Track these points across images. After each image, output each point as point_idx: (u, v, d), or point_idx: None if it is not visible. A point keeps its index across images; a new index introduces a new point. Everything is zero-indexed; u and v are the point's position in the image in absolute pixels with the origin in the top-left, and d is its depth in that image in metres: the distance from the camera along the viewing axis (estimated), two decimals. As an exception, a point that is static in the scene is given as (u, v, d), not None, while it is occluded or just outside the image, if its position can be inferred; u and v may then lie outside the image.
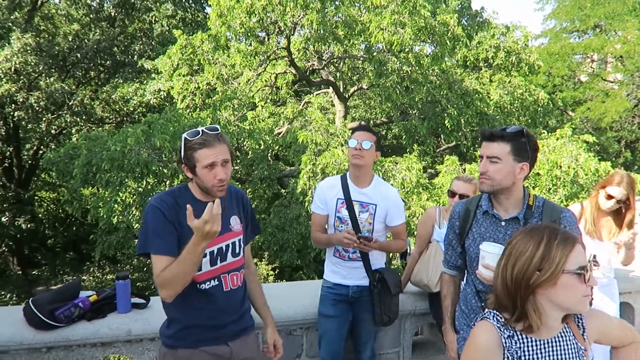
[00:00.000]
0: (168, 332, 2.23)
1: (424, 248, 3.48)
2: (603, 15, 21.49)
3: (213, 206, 1.85)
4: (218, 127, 2.12)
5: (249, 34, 11.03)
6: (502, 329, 1.49)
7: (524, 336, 1.50)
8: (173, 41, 13.55)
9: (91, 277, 16.44)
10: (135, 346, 2.98)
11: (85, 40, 17.01)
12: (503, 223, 2.16)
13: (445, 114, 11.70)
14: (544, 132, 10.13)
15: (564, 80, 22.35)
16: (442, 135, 14.58)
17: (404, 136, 13.29)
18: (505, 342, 1.48)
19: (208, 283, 2.14)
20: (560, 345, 1.50)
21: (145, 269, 14.81)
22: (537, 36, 23.80)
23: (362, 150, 2.85)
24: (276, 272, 11.57)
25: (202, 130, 2.04)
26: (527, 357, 1.48)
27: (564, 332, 1.52)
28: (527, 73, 14.51)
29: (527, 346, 1.49)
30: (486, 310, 1.58)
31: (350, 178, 2.99)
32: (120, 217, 7.89)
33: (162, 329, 2.30)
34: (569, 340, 1.51)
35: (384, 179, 8.35)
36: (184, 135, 2.06)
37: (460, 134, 12.93)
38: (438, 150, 16.78)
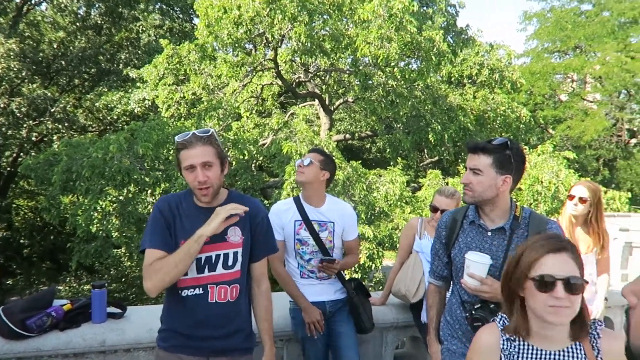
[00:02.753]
0: (159, 331, 2.23)
1: (406, 259, 3.46)
2: (583, 37, 22.09)
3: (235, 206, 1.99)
4: (211, 130, 2.08)
5: (236, 45, 11.04)
6: (504, 332, 1.54)
7: (525, 342, 1.51)
8: (160, 50, 13.51)
9: (67, 287, 16.08)
10: (109, 357, 2.89)
11: (71, 48, 16.87)
12: (489, 233, 2.16)
13: (429, 129, 11.82)
14: (525, 149, 10.28)
15: (545, 98, 22.84)
16: (425, 150, 14.72)
17: (388, 150, 13.37)
18: (503, 344, 1.52)
19: (191, 290, 2.08)
20: (561, 359, 1.48)
21: (123, 279, 14.54)
22: (520, 55, 24.33)
23: (302, 167, 2.90)
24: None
25: (192, 133, 2.02)
26: (517, 359, 1.50)
27: (574, 349, 1.49)
28: (510, 91, 14.77)
29: (525, 352, 1.51)
30: (498, 314, 1.62)
31: (303, 199, 2.99)
32: (99, 225, 7.75)
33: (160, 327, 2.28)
34: (579, 357, 1.48)
35: (368, 191, 8.38)
36: (176, 137, 2.06)
37: (443, 148, 13.07)
38: (421, 164, 16.92)
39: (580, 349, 1.49)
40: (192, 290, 2.08)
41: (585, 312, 1.46)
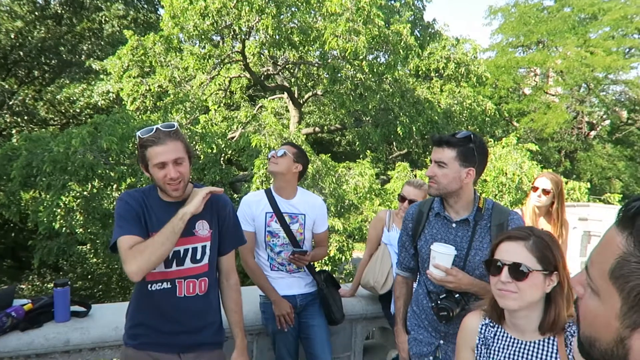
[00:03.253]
0: (125, 329, 2.19)
1: (374, 251, 3.50)
2: (545, 32, 22.66)
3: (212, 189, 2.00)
4: (175, 124, 2.03)
5: (203, 37, 10.85)
6: (485, 317, 1.65)
7: (502, 330, 1.61)
8: (124, 42, 13.15)
9: (30, 286, 15.58)
10: (73, 356, 2.83)
11: (29, 38, 16.24)
12: (454, 225, 2.21)
13: (398, 122, 11.93)
14: (490, 141, 10.52)
15: (509, 92, 23.36)
16: (394, 143, 14.86)
17: (358, 143, 13.44)
18: (481, 328, 1.63)
19: (159, 284, 2.05)
20: (534, 351, 1.54)
21: (89, 276, 14.19)
22: (485, 49, 24.76)
23: (276, 157, 2.91)
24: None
25: (157, 128, 1.96)
26: (492, 344, 1.60)
27: (547, 343, 1.54)
28: (476, 84, 15.06)
29: (499, 338, 1.60)
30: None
31: (274, 191, 3.00)
32: (62, 221, 7.51)
33: (125, 324, 2.23)
34: (549, 352, 1.53)
35: (337, 184, 8.41)
36: (138, 132, 2.00)
37: (411, 141, 13.23)
38: (390, 157, 17.08)
39: (553, 344, 1.53)
40: (160, 284, 2.05)
41: (556, 309, 1.50)
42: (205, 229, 2.12)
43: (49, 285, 14.78)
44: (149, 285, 2.05)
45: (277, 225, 2.94)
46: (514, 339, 1.58)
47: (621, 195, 13.14)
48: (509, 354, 1.57)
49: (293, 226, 2.97)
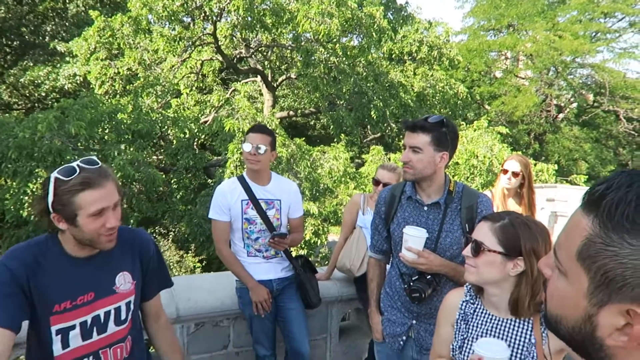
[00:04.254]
0: None
1: (350, 234, 3.53)
2: (515, 16, 22.94)
3: None
4: (96, 159, 1.62)
5: (173, 18, 10.59)
6: (466, 295, 1.72)
7: (481, 306, 1.68)
8: (89, 23, 12.73)
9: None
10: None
11: (-12, 19, 15.54)
12: (425, 208, 2.24)
13: (372, 106, 11.96)
14: (462, 124, 10.69)
15: (481, 75, 23.66)
16: (368, 126, 14.92)
17: (332, 126, 13.44)
18: (462, 304, 1.70)
19: None
20: (509, 328, 1.61)
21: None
22: (457, 32, 24.97)
23: (258, 155, 2.82)
24: (203, 264, 11.31)
25: (79, 166, 1.53)
26: (471, 319, 1.67)
27: (523, 321, 1.61)
28: (448, 67, 15.19)
29: (478, 313, 1.67)
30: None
31: (248, 177, 2.97)
32: (30, 209, 7.31)
33: None
34: (524, 329, 1.60)
35: (312, 168, 8.42)
36: (54, 174, 1.53)
37: (385, 125, 13.30)
38: (365, 140, 17.16)
39: (528, 323, 1.60)
40: None
41: (518, 293, 1.57)
42: (128, 282, 1.76)
43: (17, 274, 14.43)
44: None
45: (253, 212, 2.92)
46: (492, 315, 1.64)
47: (587, 177, 13.57)
48: (486, 329, 1.63)
49: (269, 212, 2.95)
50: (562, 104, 24.59)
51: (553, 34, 21.17)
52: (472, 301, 1.70)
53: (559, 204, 6.31)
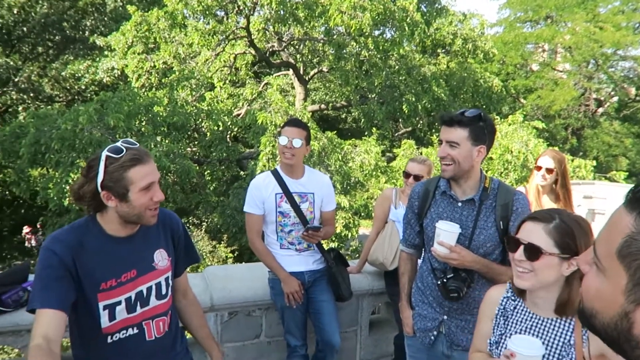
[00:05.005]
0: None
1: (381, 228, 3.54)
2: (554, 7, 22.22)
3: None
4: (133, 140, 1.73)
5: (207, 12, 10.74)
6: (508, 291, 1.69)
7: (522, 304, 1.65)
8: (127, 17, 13.03)
9: (40, 261, 15.82)
10: (88, 329, 2.92)
11: (32, 14, 16.09)
12: (459, 204, 2.22)
13: (403, 99, 11.85)
14: (497, 118, 10.47)
15: (516, 68, 23.05)
16: (400, 120, 14.79)
17: (363, 120, 13.39)
18: (502, 301, 1.68)
19: (124, 332, 1.77)
20: (549, 328, 1.58)
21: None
22: (493, 25, 24.39)
23: (293, 148, 2.86)
24: (235, 254, 11.51)
25: (124, 146, 1.63)
26: (511, 316, 1.65)
27: (564, 321, 1.57)
28: (483, 60, 14.88)
29: (518, 311, 1.65)
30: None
31: (282, 171, 3.01)
32: (69, 193, 7.59)
33: None
34: (564, 330, 1.56)
35: (343, 162, 8.43)
36: (105, 153, 1.62)
37: (417, 119, 13.15)
38: (396, 134, 17.02)
39: (570, 324, 1.56)
40: (125, 332, 1.78)
41: (570, 292, 1.53)
42: (164, 258, 1.88)
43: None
44: (109, 337, 1.75)
45: (287, 206, 2.96)
46: (533, 313, 1.62)
47: (627, 173, 13.09)
48: (525, 327, 1.61)
49: (303, 205, 3.00)
50: (602, 98, 23.72)
51: (594, 26, 20.43)
52: (513, 298, 1.68)
53: (597, 202, 6.10)
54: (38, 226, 14.18)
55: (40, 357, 1.44)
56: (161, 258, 1.85)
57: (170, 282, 1.90)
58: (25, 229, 16.36)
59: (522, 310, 1.65)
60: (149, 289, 1.81)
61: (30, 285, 2.82)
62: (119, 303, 1.73)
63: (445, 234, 2.07)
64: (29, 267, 3.06)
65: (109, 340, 1.76)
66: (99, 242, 1.70)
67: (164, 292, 1.86)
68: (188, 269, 2.12)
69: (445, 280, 2.16)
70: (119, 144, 1.64)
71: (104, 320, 1.72)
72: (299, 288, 2.98)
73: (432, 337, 2.35)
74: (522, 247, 1.52)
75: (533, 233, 1.52)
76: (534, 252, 1.50)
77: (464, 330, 2.26)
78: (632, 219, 0.68)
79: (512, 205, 2.14)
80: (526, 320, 1.62)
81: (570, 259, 1.49)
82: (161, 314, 1.87)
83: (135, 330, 1.80)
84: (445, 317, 2.30)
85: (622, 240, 0.68)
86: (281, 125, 2.99)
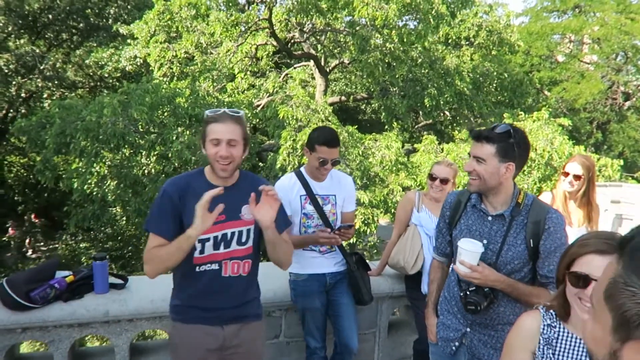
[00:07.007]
0: (171, 306, 2.34)
1: (403, 231, 3.52)
2: (583, -4, 21.62)
3: (211, 192, 1.98)
4: (241, 112, 2.17)
5: (230, 3, 10.69)
6: (545, 317, 1.61)
7: (564, 329, 1.58)
8: (150, 6, 13.10)
9: (64, 246, 16.23)
10: (112, 327, 2.98)
11: (57, 1, 16.29)
12: (490, 218, 2.19)
13: (425, 93, 11.69)
14: (521, 114, 10.24)
15: (541, 59, 22.53)
16: (420, 112, 14.60)
17: (384, 114, 13.26)
18: (543, 328, 1.60)
19: (208, 265, 2.18)
20: None
21: (119, 237, 14.69)
22: (519, 14, 23.83)
23: (330, 167, 2.98)
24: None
25: (224, 110, 2.12)
26: (556, 345, 1.57)
27: None
28: (507, 52, 14.56)
29: (563, 337, 1.57)
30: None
31: (306, 173, 3.05)
32: (96, 188, 7.73)
33: (170, 301, 2.36)
34: None
35: (363, 156, 8.38)
36: (207, 111, 2.15)
37: (438, 112, 12.96)
38: (416, 126, 16.84)
39: None
40: (209, 265, 2.19)
41: None
42: (251, 213, 2.18)
43: (81, 245, 15.37)
44: (197, 267, 2.18)
45: (311, 207, 3.01)
46: (579, 338, 1.56)
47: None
48: (577, 355, 1.55)
49: (326, 207, 3.03)
50: (630, 91, 23.06)
51: (625, 17, 19.81)
52: (553, 324, 1.60)
53: (625, 206, 5.95)
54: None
55: (152, 251, 2.07)
56: (247, 212, 2.17)
57: (251, 234, 2.23)
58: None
59: (568, 336, 1.57)
60: (232, 234, 2.18)
61: (58, 283, 2.89)
62: (208, 240, 2.13)
63: (467, 253, 2.05)
64: (57, 264, 3.13)
65: (197, 270, 2.17)
66: (202, 187, 2.08)
67: (243, 240, 2.21)
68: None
69: (468, 292, 2.15)
70: (223, 109, 2.13)
71: (196, 252, 2.14)
72: (322, 232, 2.96)
73: (454, 348, 2.35)
74: (594, 283, 1.41)
75: (602, 268, 1.44)
76: None
77: (486, 345, 2.24)
78: (617, 263, 0.75)
79: (544, 224, 2.09)
80: (576, 346, 1.56)
81: None
82: (238, 257, 2.22)
83: (216, 267, 2.19)
84: (468, 329, 2.29)
85: (608, 283, 0.74)
86: (315, 135, 2.97)
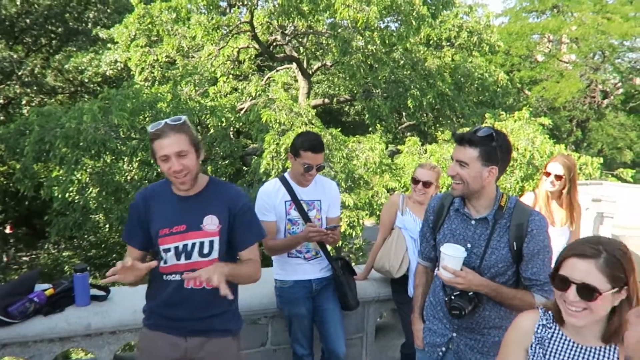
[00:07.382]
0: (143, 310, 2.34)
1: (388, 235, 3.52)
2: (561, -4, 22.00)
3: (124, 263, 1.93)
4: (183, 117, 2.08)
5: (211, 6, 10.63)
6: (542, 318, 1.61)
7: (559, 331, 1.58)
8: (130, 9, 12.96)
9: (46, 255, 15.95)
10: (95, 340, 2.91)
11: (35, 5, 16.02)
12: (473, 222, 2.19)
13: (408, 95, 11.74)
14: (502, 114, 10.35)
15: (521, 59, 22.84)
16: (404, 113, 14.68)
17: (367, 115, 13.29)
18: (538, 327, 1.61)
19: (172, 276, 2.15)
20: (593, 358, 1.52)
21: (103, 245, 14.49)
22: (498, 15, 24.16)
23: (314, 173, 2.96)
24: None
25: (165, 122, 2.01)
26: (548, 345, 1.58)
27: (607, 350, 1.51)
28: (488, 53, 14.72)
29: (556, 339, 1.58)
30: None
31: (291, 178, 3.02)
32: (77, 196, 7.60)
33: (144, 305, 2.37)
34: (610, 358, 1.50)
35: (347, 159, 8.39)
36: (149, 127, 2.07)
37: (421, 113, 13.04)
38: (400, 127, 16.92)
39: (614, 352, 1.50)
40: (173, 276, 2.16)
41: (620, 320, 1.47)
42: (214, 224, 2.13)
43: (64, 254, 15.11)
44: (164, 276, 2.17)
45: (296, 213, 2.97)
46: (573, 342, 1.56)
47: (634, 171, 12.94)
48: (567, 357, 1.55)
49: (311, 213, 3.00)
50: (608, 90, 23.51)
51: (601, 17, 20.20)
52: (549, 325, 1.61)
53: (606, 205, 6.02)
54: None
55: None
56: (210, 222, 2.13)
57: (215, 246, 2.15)
58: None
59: (561, 338, 1.58)
60: (193, 245, 2.13)
61: (37, 296, 2.81)
62: (169, 250, 2.11)
63: (449, 258, 2.04)
64: (37, 276, 3.05)
65: (164, 279, 2.17)
66: (166, 197, 2.14)
67: (205, 251, 2.14)
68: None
69: (452, 297, 2.14)
70: (164, 120, 2.04)
71: (162, 262, 2.14)
72: (311, 226, 2.91)
73: (441, 353, 2.34)
74: (574, 287, 1.44)
75: (584, 272, 1.43)
76: (589, 293, 1.41)
77: (473, 350, 2.24)
78: None
79: (527, 226, 2.09)
80: (567, 350, 1.56)
81: (620, 291, 1.43)
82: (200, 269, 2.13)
83: (178, 277, 2.13)
84: (454, 334, 2.28)
85: None
86: (299, 141, 2.92)
